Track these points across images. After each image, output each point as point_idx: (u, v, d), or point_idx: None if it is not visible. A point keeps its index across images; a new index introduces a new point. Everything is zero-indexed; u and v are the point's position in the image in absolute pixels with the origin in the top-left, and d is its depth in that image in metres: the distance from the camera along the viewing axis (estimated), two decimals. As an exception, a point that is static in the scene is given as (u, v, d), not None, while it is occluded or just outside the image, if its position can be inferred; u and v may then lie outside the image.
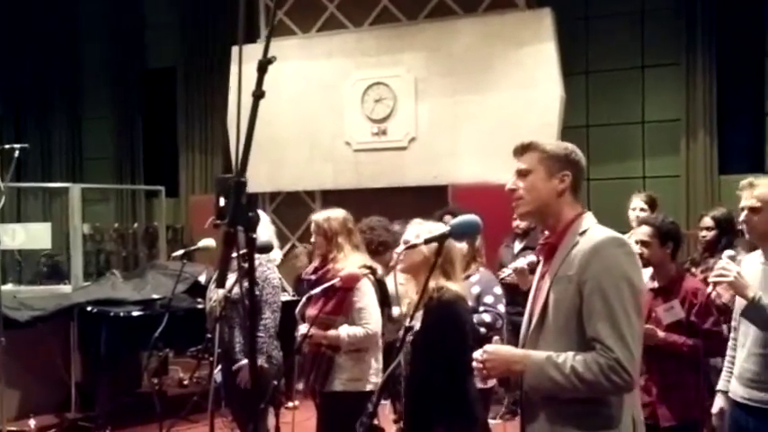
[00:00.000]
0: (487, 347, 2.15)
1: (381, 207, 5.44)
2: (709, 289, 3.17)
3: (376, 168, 8.00)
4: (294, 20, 8.46)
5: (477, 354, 2.14)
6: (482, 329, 3.87)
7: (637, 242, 3.54)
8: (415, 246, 2.60)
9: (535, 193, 2.18)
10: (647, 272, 3.64)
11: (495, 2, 7.57)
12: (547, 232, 2.24)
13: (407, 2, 7.93)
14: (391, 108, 7.86)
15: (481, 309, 3.94)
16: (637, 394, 2.14)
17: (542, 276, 2.22)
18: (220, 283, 1.79)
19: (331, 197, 8.06)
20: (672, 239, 3.55)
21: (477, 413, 2.87)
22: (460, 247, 3.90)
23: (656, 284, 3.56)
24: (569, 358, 2.00)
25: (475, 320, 3.86)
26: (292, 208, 8.62)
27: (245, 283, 4.07)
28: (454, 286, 2.89)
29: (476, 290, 3.99)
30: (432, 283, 2.75)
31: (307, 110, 8.27)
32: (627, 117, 8.11)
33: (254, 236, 1.65)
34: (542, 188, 2.17)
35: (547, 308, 2.11)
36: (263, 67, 1.60)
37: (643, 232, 3.56)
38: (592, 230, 2.13)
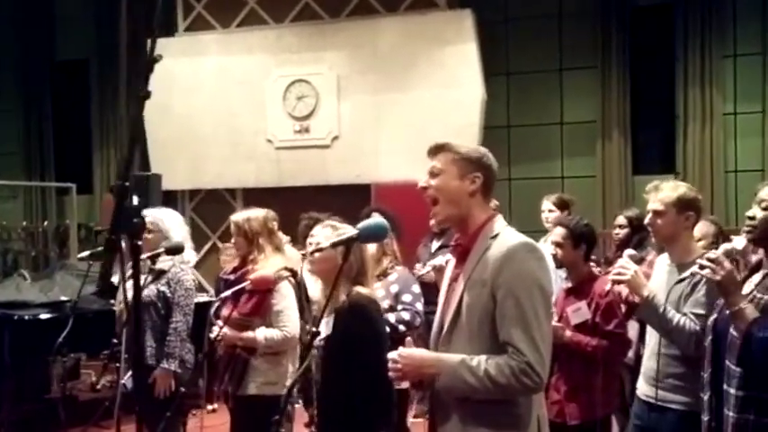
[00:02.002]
0: (401, 350, 2.15)
1: (304, 206, 5.36)
2: (608, 287, 3.27)
3: (298, 167, 7.90)
4: (213, 14, 8.27)
5: (391, 355, 2.15)
6: (401, 327, 3.86)
7: (552, 243, 3.61)
8: (321, 249, 2.58)
9: (446, 192, 2.21)
10: (562, 272, 3.71)
11: (416, 1, 7.60)
12: (458, 234, 2.26)
13: (329, -1, 7.87)
14: (314, 106, 7.79)
15: (400, 307, 3.93)
16: (542, 393, 2.19)
17: (455, 279, 2.23)
18: (102, 289, 1.70)
19: (253, 195, 7.92)
20: (585, 241, 3.62)
21: (393, 416, 2.85)
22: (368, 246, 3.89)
23: (568, 285, 3.64)
24: (482, 361, 2.04)
25: (394, 319, 3.85)
26: (213, 206, 8.43)
27: (159, 286, 3.94)
28: (364, 290, 2.86)
29: (394, 288, 3.98)
30: (342, 287, 2.72)
31: (228, 106, 8.10)
32: (546, 118, 8.27)
33: (139, 243, 1.56)
34: (453, 187, 2.20)
35: (460, 311, 2.14)
36: (149, 65, 1.51)
37: (558, 233, 3.64)
38: (503, 235, 2.17)
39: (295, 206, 5.41)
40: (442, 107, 7.29)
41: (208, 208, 8.48)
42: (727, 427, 2.43)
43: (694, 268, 2.57)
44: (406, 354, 2.14)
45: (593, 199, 7.80)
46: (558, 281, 3.86)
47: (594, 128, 8.02)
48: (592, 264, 3.83)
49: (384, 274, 3.95)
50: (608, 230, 6.39)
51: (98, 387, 6.67)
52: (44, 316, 5.40)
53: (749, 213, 2.55)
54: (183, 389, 3.66)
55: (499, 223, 2.22)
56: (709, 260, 2.46)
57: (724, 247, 2.69)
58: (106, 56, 9.48)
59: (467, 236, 2.22)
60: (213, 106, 8.12)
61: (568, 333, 3.47)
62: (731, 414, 2.42)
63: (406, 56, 7.48)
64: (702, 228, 4.05)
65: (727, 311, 2.45)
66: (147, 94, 1.56)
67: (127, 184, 1.55)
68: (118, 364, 3.60)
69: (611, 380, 3.43)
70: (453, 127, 7.16)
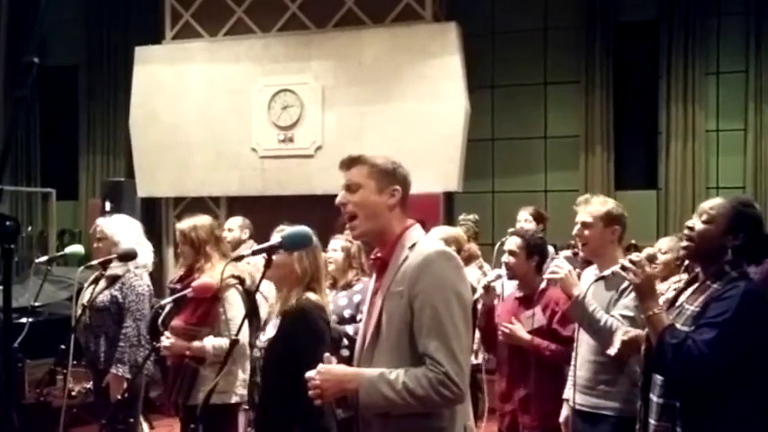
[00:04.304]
0: (320, 367, 2.11)
1: (288, 214, 5.34)
2: (543, 285, 3.34)
3: (282, 175, 7.92)
4: (201, 23, 8.29)
5: (310, 373, 2.10)
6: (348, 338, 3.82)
7: (507, 252, 3.66)
8: (241, 257, 2.58)
9: (367, 208, 2.17)
10: (514, 283, 3.76)
11: (402, 14, 7.64)
12: (377, 247, 2.24)
13: (316, 10, 7.89)
14: (298, 115, 7.81)
15: (359, 317, 3.92)
16: (468, 403, 2.17)
17: (375, 292, 2.21)
18: None
19: (237, 203, 7.94)
20: (538, 254, 3.68)
21: (328, 422, 2.84)
22: (335, 258, 3.90)
23: (520, 294, 3.67)
24: (401, 374, 2.01)
25: (353, 330, 3.83)
26: (197, 214, 8.37)
27: (112, 292, 3.93)
28: (314, 296, 2.87)
29: (357, 298, 3.96)
30: (295, 292, 2.73)
31: (213, 114, 8.11)
32: (530, 132, 8.32)
33: (10, 246, 1.56)
34: (373, 203, 2.17)
35: (380, 324, 2.11)
36: (28, 67, 1.51)
37: (513, 242, 3.68)
38: (420, 244, 2.14)
39: (278, 215, 5.40)
40: (425, 119, 7.32)
41: (192, 216, 8.41)
42: None
43: (615, 268, 2.61)
44: (324, 369, 2.10)
45: (575, 213, 7.81)
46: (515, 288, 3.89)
47: (578, 142, 8.06)
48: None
49: (349, 285, 3.95)
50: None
51: (73, 394, 6.63)
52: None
53: (689, 223, 2.57)
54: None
55: (416, 232, 2.19)
56: (632, 262, 2.49)
57: (647, 251, 2.73)
58: (95, 62, 9.51)
59: (385, 248, 2.19)
60: (198, 114, 8.14)
61: (527, 336, 3.49)
62: (652, 422, 2.45)
63: (390, 67, 7.51)
64: (670, 242, 4.08)
65: (642, 316, 2.50)
66: (25, 96, 1.53)
67: (0, 187, 1.53)
68: (65, 371, 3.59)
69: (560, 389, 3.45)
70: (437, 139, 7.20)
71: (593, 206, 3.20)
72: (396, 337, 2.06)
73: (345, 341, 3.77)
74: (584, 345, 3.08)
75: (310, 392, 2.10)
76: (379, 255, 2.21)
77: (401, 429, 2.06)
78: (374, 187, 2.17)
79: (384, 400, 2.01)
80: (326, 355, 2.16)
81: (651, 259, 2.59)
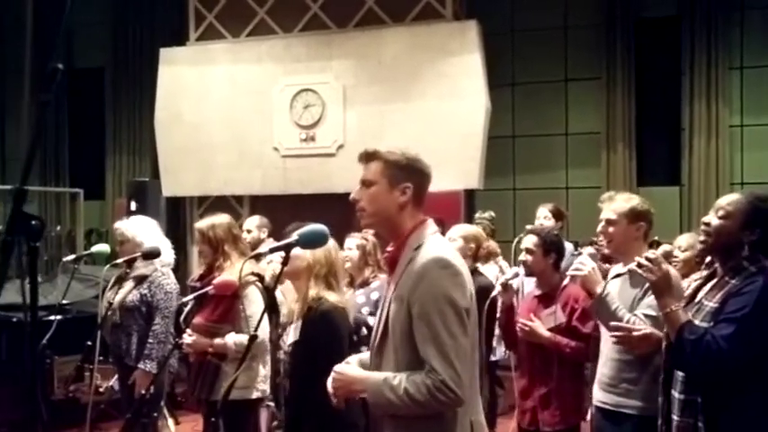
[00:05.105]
0: (336, 368, 2.21)
1: (310, 213, 5.40)
2: (566, 281, 3.33)
3: (304, 174, 7.98)
4: (224, 24, 8.39)
5: (333, 377, 2.21)
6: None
7: (524, 250, 3.67)
8: (260, 255, 2.62)
9: (376, 205, 2.21)
10: (533, 280, 3.77)
11: (422, 12, 7.66)
12: (391, 243, 2.28)
13: (337, 10, 7.95)
14: (320, 115, 7.86)
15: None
16: (477, 398, 2.22)
17: (390, 288, 2.25)
18: None
19: (259, 202, 8.02)
20: (554, 251, 3.68)
21: (357, 424, 2.88)
22: (351, 256, 3.94)
23: (539, 291, 3.68)
24: (403, 380, 2.08)
25: (372, 321, 3.88)
26: (220, 212, 8.50)
27: (141, 291, 4.02)
28: (333, 296, 2.90)
29: (375, 295, 4.00)
30: (312, 292, 2.76)
31: (235, 114, 8.20)
32: (551, 129, 8.31)
33: (35, 244, 1.62)
34: (383, 201, 2.20)
35: (388, 323, 2.17)
36: (53, 73, 1.56)
37: (530, 240, 3.69)
38: (425, 247, 2.16)
39: (300, 213, 5.47)
40: (446, 117, 7.34)
41: (215, 214, 8.56)
42: (672, 430, 2.46)
43: (631, 266, 2.61)
44: (338, 370, 2.20)
45: (597, 210, 7.78)
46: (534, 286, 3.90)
47: (599, 139, 8.03)
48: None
49: (366, 283, 4.00)
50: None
51: (101, 390, 6.77)
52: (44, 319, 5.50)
53: (705, 219, 2.57)
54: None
55: (425, 231, 2.21)
56: (648, 260, 2.49)
57: (664, 247, 2.73)
58: (121, 64, 9.67)
59: (395, 244, 2.23)
60: (221, 114, 8.23)
61: (547, 333, 3.50)
62: (675, 417, 2.45)
63: (411, 66, 7.54)
64: (689, 239, 4.07)
65: (660, 313, 2.50)
66: (49, 101, 1.59)
67: (25, 188, 1.58)
68: (91, 366, 3.67)
69: (581, 386, 3.45)
70: (457, 137, 7.21)
71: (617, 203, 3.16)
72: (399, 338, 2.13)
73: (364, 330, 3.83)
74: (607, 342, 3.06)
75: (329, 391, 2.20)
76: (389, 252, 2.26)
77: (407, 425, 2.13)
78: (386, 185, 2.19)
79: (389, 404, 2.09)
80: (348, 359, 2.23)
81: (667, 256, 2.60)
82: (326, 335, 2.84)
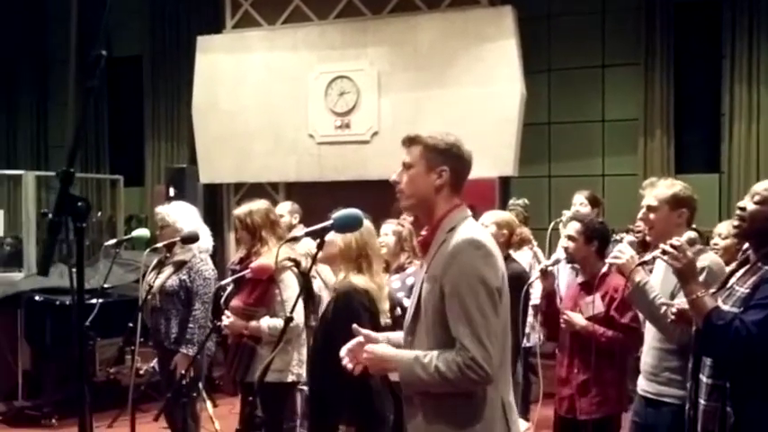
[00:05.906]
0: (368, 346, 2.26)
1: (345, 200, 5.45)
2: (604, 269, 3.31)
3: (339, 161, 8.03)
4: (260, 11, 8.45)
5: (342, 351, 2.28)
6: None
7: (566, 236, 3.66)
8: (295, 239, 2.67)
9: (413, 187, 2.26)
10: (567, 267, 3.75)
11: (457, -2, 7.63)
12: (425, 227, 2.32)
13: (372, -4, 7.96)
14: (354, 101, 7.89)
15: None
16: (508, 379, 2.26)
17: (423, 269, 2.31)
18: (42, 270, 1.79)
19: (294, 189, 8.10)
20: (597, 238, 3.65)
21: (377, 404, 2.93)
22: (387, 242, 3.98)
23: (582, 279, 3.67)
24: (434, 357, 2.12)
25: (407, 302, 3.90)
26: (256, 199, 8.60)
27: (180, 276, 4.11)
28: (359, 279, 2.95)
29: (410, 281, 4.03)
30: (341, 275, 2.81)
31: (271, 102, 8.28)
32: (587, 115, 8.22)
33: (82, 225, 1.67)
34: (420, 183, 2.25)
35: (420, 303, 2.23)
36: (97, 59, 1.60)
37: (572, 228, 3.68)
38: (458, 229, 2.20)
39: (335, 200, 5.51)
40: (481, 104, 7.31)
41: (251, 201, 8.66)
42: (698, 414, 2.46)
43: (656, 252, 2.59)
44: (371, 349, 2.24)
45: (633, 198, 7.70)
46: (568, 273, 3.89)
47: (636, 126, 7.93)
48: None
49: (402, 268, 4.03)
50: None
51: (141, 372, 6.92)
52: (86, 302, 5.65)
53: (740, 204, 2.55)
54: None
55: (459, 215, 2.25)
56: (673, 246, 2.47)
57: (688, 235, 2.70)
58: (158, 52, 9.81)
59: (429, 227, 2.28)
60: (257, 101, 8.32)
61: (583, 321, 3.49)
62: (702, 401, 2.45)
63: (446, 52, 7.52)
64: (729, 227, 4.01)
65: (685, 300, 2.48)
66: (94, 86, 1.63)
67: (72, 170, 1.63)
68: (132, 348, 3.77)
69: (622, 376, 3.44)
70: (492, 123, 7.18)
71: (658, 189, 3.11)
72: (431, 318, 2.18)
73: (399, 310, 3.85)
74: (650, 331, 3.05)
75: (345, 363, 2.27)
76: (423, 235, 2.31)
77: (438, 412, 2.18)
78: (423, 167, 2.25)
79: (420, 381, 2.15)
80: (354, 326, 2.28)
81: (692, 243, 2.58)
82: (340, 314, 2.89)
